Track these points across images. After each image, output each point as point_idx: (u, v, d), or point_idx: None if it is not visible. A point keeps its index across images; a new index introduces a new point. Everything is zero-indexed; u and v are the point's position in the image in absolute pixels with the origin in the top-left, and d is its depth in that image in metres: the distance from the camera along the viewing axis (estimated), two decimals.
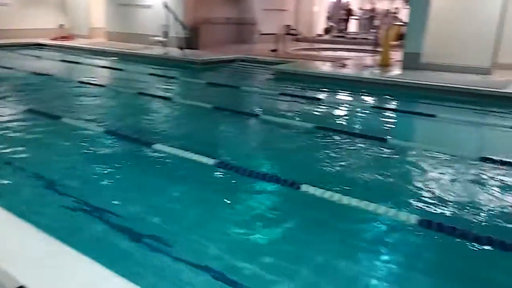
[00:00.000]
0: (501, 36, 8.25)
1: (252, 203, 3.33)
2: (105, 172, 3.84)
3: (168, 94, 7.78)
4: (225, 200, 3.32)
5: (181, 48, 11.14)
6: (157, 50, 11.71)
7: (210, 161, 3.89)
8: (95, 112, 6.04)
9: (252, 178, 3.62)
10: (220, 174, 3.79)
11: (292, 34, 13.90)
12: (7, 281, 1.84)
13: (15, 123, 5.27)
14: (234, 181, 3.70)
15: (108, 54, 12.19)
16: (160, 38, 11.77)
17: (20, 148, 4.34)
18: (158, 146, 4.31)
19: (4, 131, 4.85)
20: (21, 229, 2.34)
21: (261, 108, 6.45)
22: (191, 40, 12.38)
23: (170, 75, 9.70)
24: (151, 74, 9.32)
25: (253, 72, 10.14)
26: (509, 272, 2.53)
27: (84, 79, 8.37)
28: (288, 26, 13.65)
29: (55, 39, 14.60)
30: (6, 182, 3.54)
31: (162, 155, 4.19)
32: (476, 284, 2.45)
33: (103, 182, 3.63)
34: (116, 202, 3.21)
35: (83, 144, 4.54)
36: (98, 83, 8.16)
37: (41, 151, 4.34)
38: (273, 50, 11.15)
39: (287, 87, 8.40)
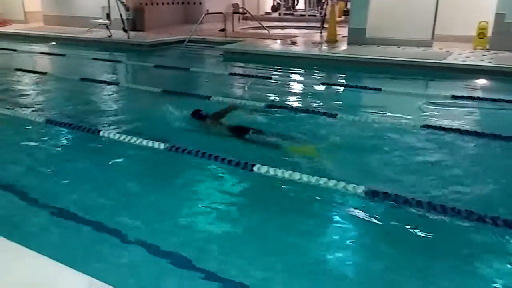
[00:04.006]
0: (438, 9, 8.57)
1: (206, 183, 3.32)
2: (48, 161, 3.67)
3: (114, 79, 7.50)
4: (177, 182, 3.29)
5: (125, 31, 10.70)
6: (100, 34, 11.18)
7: (162, 146, 3.82)
8: (34, 101, 5.71)
9: (201, 158, 3.60)
10: (172, 157, 3.73)
11: (240, 13, 13.73)
12: None
13: None
14: (185, 163, 3.66)
15: (47, 40, 11.49)
16: (102, 21, 11.23)
17: None
18: (104, 133, 4.16)
19: None
20: None
21: (212, 90, 6.36)
22: (135, 21, 11.90)
23: (115, 59, 9.32)
24: (94, 59, 8.91)
25: (202, 53, 9.94)
26: None
27: (22, 67, 7.87)
28: (235, 4, 13.44)
29: None
30: None
31: (108, 142, 4.06)
32: None
33: (45, 173, 3.47)
34: (59, 192, 3.09)
35: (24, 135, 4.30)
36: (37, 71, 7.69)
37: None
38: (222, 30, 10.97)
39: (237, 66, 8.33)
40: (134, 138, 3.98)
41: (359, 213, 2.85)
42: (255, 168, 3.37)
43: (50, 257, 1.91)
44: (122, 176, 3.47)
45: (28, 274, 1.86)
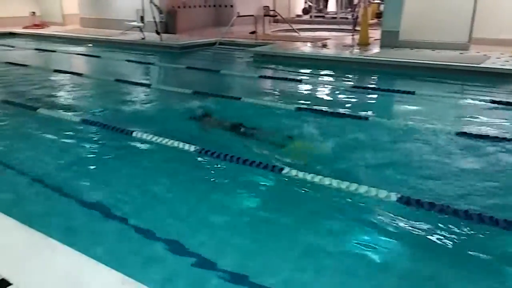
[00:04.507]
0: (475, 11, 8.30)
1: (240, 193, 3.32)
2: (83, 161, 3.78)
3: (146, 80, 7.66)
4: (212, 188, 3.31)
5: (158, 33, 10.91)
6: (133, 36, 11.46)
7: (192, 148, 3.86)
8: (71, 101, 5.91)
9: (232, 163, 3.60)
10: (202, 161, 3.76)
11: (271, 16, 13.74)
12: None
13: None
14: (215, 167, 3.68)
15: (84, 41, 11.88)
16: (136, 23, 11.50)
17: None
18: (137, 134, 4.24)
19: None
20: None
21: (242, 91, 6.39)
22: (168, 24, 12.13)
23: (148, 61, 9.52)
24: (128, 61, 9.13)
25: (232, 55, 10.02)
26: None
27: (60, 68, 8.16)
28: (266, 7, 13.47)
29: (27, 27, 14.14)
30: None
31: (141, 142, 4.14)
32: None
33: (81, 171, 3.57)
34: (95, 190, 3.17)
35: (61, 134, 4.45)
36: (74, 72, 7.95)
37: (17, 143, 4.24)
38: (252, 32, 11.01)
39: (267, 69, 8.33)
40: (166, 140, 4.04)
41: (392, 220, 2.78)
42: (284, 171, 3.36)
43: (85, 254, 1.96)
44: (153, 176, 3.52)
45: (64, 269, 1.91)
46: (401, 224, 2.75)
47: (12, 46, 11.30)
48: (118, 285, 1.80)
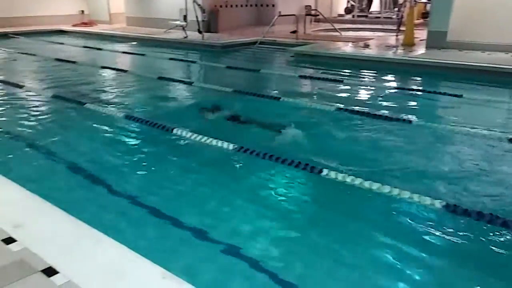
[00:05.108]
0: None
1: (277, 188, 3.31)
2: (127, 156, 3.88)
3: (188, 78, 7.79)
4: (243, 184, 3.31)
5: (200, 32, 11.07)
6: (176, 34, 11.69)
7: (230, 146, 3.88)
8: (115, 97, 6.09)
9: (268, 160, 3.59)
10: (240, 159, 3.77)
11: (313, 15, 13.61)
12: (36, 262, 1.90)
13: (41, 109, 5.40)
14: (252, 166, 3.68)
15: (128, 40, 12.24)
16: (179, 22, 11.72)
17: (47, 133, 4.45)
18: (178, 131, 4.31)
19: (31, 117, 4.98)
20: (49, 213, 2.39)
21: (281, 91, 6.37)
22: (210, 23, 12.28)
23: (189, 59, 9.68)
24: (171, 59, 9.33)
25: (273, 54, 10.01)
26: None
27: (106, 65, 8.45)
28: (308, 6, 13.35)
29: (76, 25, 14.75)
30: (35, 166, 3.61)
31: (181, 139, 4.21)
32: None
33: (125, 167, 3.67)
34: (140, 184, 3.25)
35: (105, 128, 4.60)
36: (119, 68, 8.21)
37: (66, 136, 4.43)
38: (293, 32, 10.95)
39: (307, 69, 8.25)
40: (205, 138, 4.08)
41: (437, 229, 2.67)
42: (323, 173, 3.31)
43: (128, 246, 2.01)
44: (193, 173, 3.57)
45: (107, 260, 1.97)
46: (446, 233, 2.64)
47: (62, 43, 11.81)
48: (158, 279, 1.83)
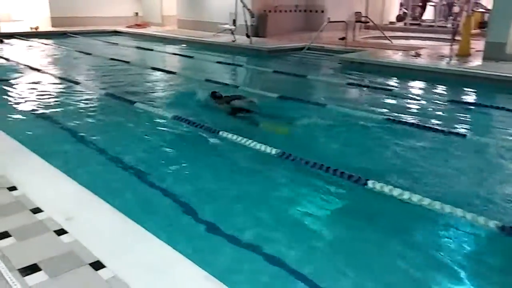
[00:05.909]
0: None
1: (315, 195, 3.25)
2: (175, 155, 3.96)
3: (234, 82, 7.86)
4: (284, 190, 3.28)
5: (248, 36, 11.17)
6: (224, 38, 11.85)
7: (273, 151, 3.86)
8: (164, 98, 6.25)
9: (311, 168, 3.53)
10: (284, 162, 3.74)
11: (363, 22, 13.37)
12: (85, 255, 1.97)
13: (94, 105, 5.65)
14: (297, 171, 3.64)
15: (179, 42, 12.56)
16: (229, 26, 11.88)
17: (99, 130, 4.65)
18: (223, 134, 4.35)
19: (85, 113, 5.22)
20: (99, 208, 2.48)
21: (328, 98, 6.28)
22: (258, 28, 12.36)
23: (237, 63, 9.77)
24: (218, 62, 9.46)
25: (320, 60, 9.91)
26: None
27: (156, 66, 8.71)
28: (358, 13, 13.12)
29: (130, 26, 15.33)
30: (87, 164, 3.75)
31: (225, 142, 4.24)
32: None
33: (171, 165, 3.74)
34: (186, 185, 3.30)
35: (155, 128, 4.74)
36: (168, 70, 8.43)
37: (117, 133, 4.60)
38: (342, 38, 10.80)
39: (355, 76, 8.10)
40: (249, 141, 4.09)
41: (489, 251, 2.52)
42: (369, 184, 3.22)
43: (173, 246, 2.03)
44: (237, 175, 3.58)
45: (147, 258, 2.00)
46: (500, 256, 2.48)
47: (116, 43, 12.31)
48: (201, 280, 1.83)
